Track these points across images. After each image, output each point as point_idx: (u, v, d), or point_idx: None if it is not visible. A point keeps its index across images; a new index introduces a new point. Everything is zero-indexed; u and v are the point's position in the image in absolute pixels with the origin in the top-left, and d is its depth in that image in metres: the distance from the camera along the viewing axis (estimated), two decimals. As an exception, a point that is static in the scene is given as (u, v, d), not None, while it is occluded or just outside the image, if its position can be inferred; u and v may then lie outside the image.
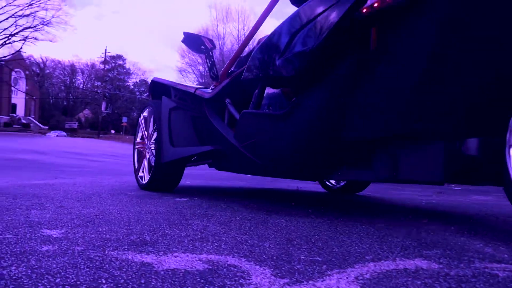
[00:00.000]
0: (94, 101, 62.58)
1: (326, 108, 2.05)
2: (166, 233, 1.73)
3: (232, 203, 2.88)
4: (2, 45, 40.54)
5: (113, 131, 54.52)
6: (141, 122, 3.79)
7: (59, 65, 64.98)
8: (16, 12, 39.30)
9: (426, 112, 1.78)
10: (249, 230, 1.89)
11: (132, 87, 69.74)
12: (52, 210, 2.16)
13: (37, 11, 40.02)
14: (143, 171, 3.68)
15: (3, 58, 42.22)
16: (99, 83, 63.47)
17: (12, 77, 49.64)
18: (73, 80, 66.67)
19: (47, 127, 52.93)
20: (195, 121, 3.35)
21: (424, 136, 1.87)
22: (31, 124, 51.85)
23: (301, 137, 2.22)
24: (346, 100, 1.96)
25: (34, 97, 57.01)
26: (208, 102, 3.24)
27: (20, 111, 55.54)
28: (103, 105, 56.47)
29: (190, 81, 50.41)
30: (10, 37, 40.19)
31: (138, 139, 3.86)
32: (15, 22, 39.68)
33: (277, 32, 2.27)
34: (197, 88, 3.49)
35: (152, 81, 4.07)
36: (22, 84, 53.57)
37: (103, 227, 1.78)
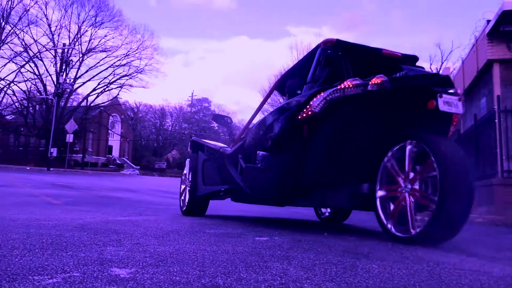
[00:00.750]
0: (181, 142, 65.67)
1: (284, 166, 3.49)
2: (242, 277, 1.55)
3: (315, 243, 2.64)
4: (102, 92, 44.45)
5: (198, 171, 56.44)
6: (187, 163, 5.19)
7: (151, 109, 69.63)
8: (114, 63, 43.14)
9: (332, 173, 3.27)
10: (336, 277, 1.65)
11: (216, 128, 72.37)
12: (127, 247, 2.09)
13: (132, 60, 43.47)
14: (184, 196, 5.10)
15: (102, 104, 46.14)
16: (186, 124, 66.73)
17: (110, 121, 53.93)
18: (163, 122, 70.85)
19: (139, 167, 56.24)
20: (219, 169, 4.64)
21: (337, 183, 3.34)
22: (125, 165, 55.46)
23: (273, 182, 3.62)
24: (294, 163, 3.36)
25: (128, 139, 61.27)
26: (228, 156, 4.49)
27: (115, 152, 59.82)
28: (189, 145, 58.99)
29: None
30: (108, 85, 44.00)
31: (185, 171, 5.23)
32: (113, 71, 43.45)
33: (261, 121, 3.95)
34: (221, 147, 4.80)
35: (191, 140, 5.67)
36: (118, 127, 57.91)
37: (174, 267, 1.64)
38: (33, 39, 38.30)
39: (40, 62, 39.54)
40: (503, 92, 9.01)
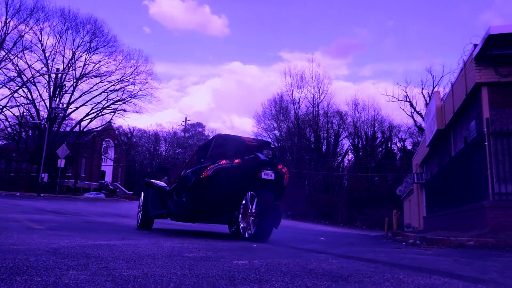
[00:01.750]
0: (174, 167, 65.34)
1: (193, 202, 5.89)
2: (204, 301, 1.45)
3: (295, 267, 2.53)
4: (95, 117, 44.37)
5: (192, 196, 55.77)
6: (142, 195, 7.56)
7: (145, 134, 69.38)
8: (108, 88, 43.21)
9: (219, 206, 5.97)
10: (306, 300, 1.55)
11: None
12: (92, 271, 1.98)
13: (127, 85, 43.50)
14: (138, 218, 7.45)
15: (95, 129, 46.02)
16: (180, 150, 66.53)
17: (103, 146, 53.65)
18: (157, 147, 70.60)
19: (132, 192, 55.70)
20: (161, 199, 6.95)
21: (222, 211, 6.10)
22: (117, 190, 54.89)
23: (188, 209, 6.01)
24: (198, 200, 5.86)
25: (121, 164, 60.89)
26: (167, 192, 6.78)
27: (108, 177, 59.26)
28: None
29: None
30: (102, 110, 43.95)
31: (140, 203, 7.58)
32: (107, 96, 43.46)
33: (185, 174, 6.26)
34: (163, 186, 7.13)
35: (145, 180, 7.91)
36: (111, 153, 57.56)
37: (134, 292, 1.54)
38: (27, 64, 38.45)
39: (34, 87, 39.60)
40: (492, 115, 9.03)
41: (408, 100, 44.16)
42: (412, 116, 44.54)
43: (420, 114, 42.54)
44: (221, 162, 5.64)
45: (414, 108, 44.03)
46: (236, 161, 5.66)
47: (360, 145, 49.98)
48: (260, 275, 2.14)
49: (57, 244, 3.41)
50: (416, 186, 20.22)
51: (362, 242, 8.74)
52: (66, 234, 4.77)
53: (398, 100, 44.58)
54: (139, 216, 7.42)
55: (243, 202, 5.61)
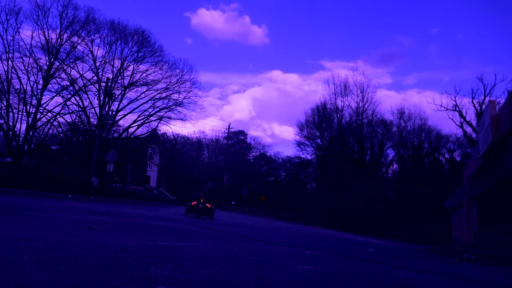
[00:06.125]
0: (217, 173, 66.11)
1: (188, 207, 17.72)
2: (292, 301, 1.47)
3: (363, 274, 2.51)
4: (142, 124, 45.64)
5: (233, 202, 56.26)
6: (186, 206, 18.97)
7: (188, 141, 70.64)
8: (154, 96, 44.37)
9: (195, 211, 17.28)
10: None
11: (252, 160, 72.57)
12: (171, 268, 2.05)
13: (172, 93, 44.50)
14: (185, 211, 18.48)
15: (142, 136, 47.32)
16: (222, 157, 67.29)
17: (148, 152, 55.04)
18: (199, 154, 71.69)
19: (175, 197, 56.76)
20: (189, 207, 17.51)
21: (197, 212, 17.38)
22: (161, 195, 56.12)
23: (189, 210, 17.28)
24: (192, 208, 17.53)
25: (165, 170, 62.30)
26: (189, 205, 17.63)
27: (153, 182, 60.67)
28: (225, 177, 59.22)
29: (307, 153, 51.67)
30: (148, 117, 45.17)
31: (186, 207, 18.82)
32: (153, 104, 44.62)
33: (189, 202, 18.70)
34: (188, 203, 18.22)
35: (187, 203, 20.44)
36: (156, 158, 58.98)
37: (221, 289, 1.59)
38: (79, 73, 40.14)
39: (85, 95, 41.24)
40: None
41: (457, 109, 42.64)
42: (462, 126, 42.94)
43: (470, 124, 41.00)
44: (193, 203, 16.14)
45: (464, 118, 42.45)
46: (194, 202, 16.05)
47: (405, 155, 48.72)
48: (332, 280, 2.14)
49: (122, 243, 3.54)
50: (467, 199, 19.47)
51: (411, 255, 8.50)
52: (125, 234, 4.94)
53: (447, 109, 43.08)
54: (186, 211, 16.58)
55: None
